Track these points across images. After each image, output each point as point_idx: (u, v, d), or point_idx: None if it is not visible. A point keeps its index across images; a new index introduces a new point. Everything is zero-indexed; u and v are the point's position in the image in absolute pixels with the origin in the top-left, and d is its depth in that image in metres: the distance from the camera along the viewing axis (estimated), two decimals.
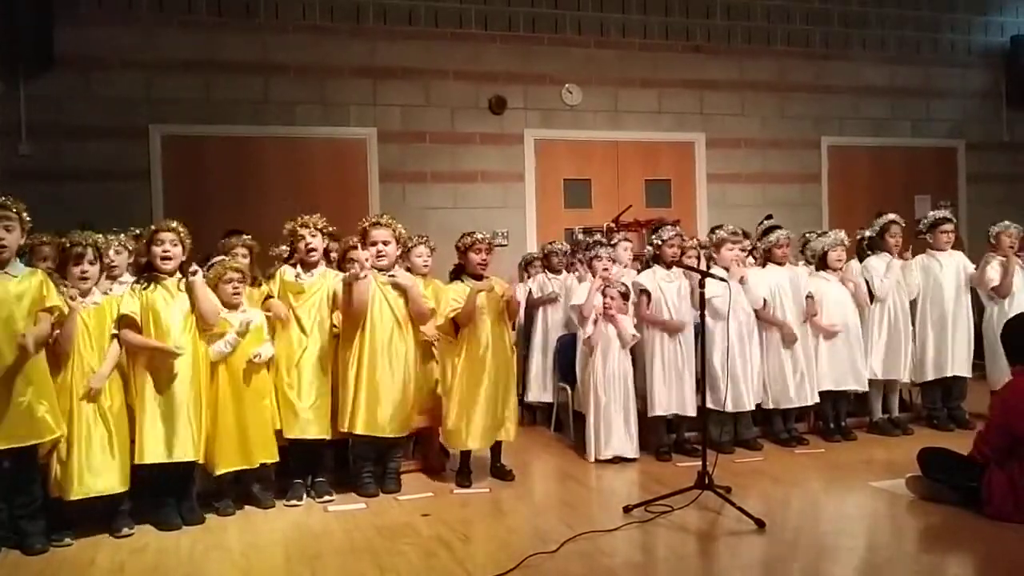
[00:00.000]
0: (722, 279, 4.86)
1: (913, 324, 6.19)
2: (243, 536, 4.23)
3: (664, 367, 5.53)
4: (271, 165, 7.76)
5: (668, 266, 5.54)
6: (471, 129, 8.31)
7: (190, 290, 4.41)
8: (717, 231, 5.90)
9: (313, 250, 4.86)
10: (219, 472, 4.52)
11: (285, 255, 5.06)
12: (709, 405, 5.28)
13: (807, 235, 6.48)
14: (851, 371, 5.94)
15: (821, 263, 6.08)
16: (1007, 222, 6.28)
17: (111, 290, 4.52)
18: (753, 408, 5.74)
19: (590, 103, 8.64)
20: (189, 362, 4.38)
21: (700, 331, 5.47)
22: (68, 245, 4.22)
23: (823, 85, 9.40)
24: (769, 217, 7.04)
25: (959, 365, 6.15)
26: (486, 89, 8.32)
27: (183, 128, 7.52)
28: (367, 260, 4.70)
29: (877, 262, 6.10)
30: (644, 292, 5.61)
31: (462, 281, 5.05)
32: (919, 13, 9.77)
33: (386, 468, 4.95)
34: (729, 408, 5.47)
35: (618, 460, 5.39)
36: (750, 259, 6.01)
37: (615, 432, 5.41)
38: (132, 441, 4.30)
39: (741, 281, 5.61)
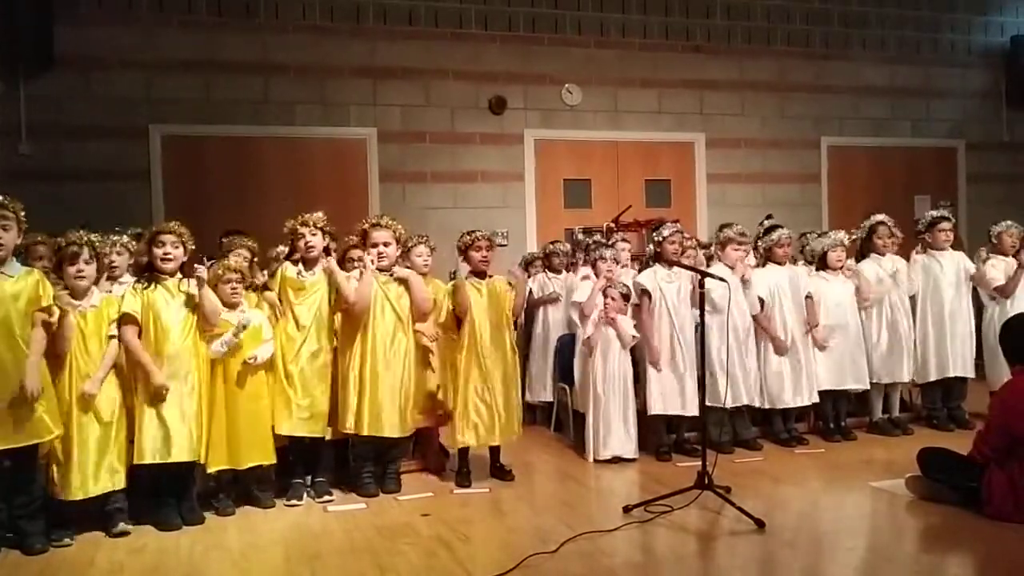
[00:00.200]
0: (722, 279, 4.86)
1: (913, 324, 6.19)
2: (243, 536, 4.23)
3: (666, 366, 5.53)
4: (271, 165, 7.76)
5: (669, 265, 5.54)
6: (471, 129, 8.32)
7: (199, 284, 4.39)
8: (725, 229, 5.87)
9: (312, 247, 4.86)
10: (210, 471, 4.52)
11: (283, 255, 5.05)
12: (708, 403, 5.27)
13: (807, 235, 6.47)
14: (851, 370, 5.94)
15: (821, 263, 6.08)
16: (1008, 222, 6.28)
17: (111, 291, 4.52)
18: (753, 404, 5.73)
19: (590, 103, 8.65)
20: (189, 362, 4.38)
21: (700, 331, 5.47)
22: (63, 244, 4.21)
23: (823, 85, 9.41)
24: (769, 217, 7.04)
25: (961, 365, 6.15)
26: (486, 89, 8.33)
27: (183, 128, 7.53)
28: (372, 263, 4.73)
29: (868, 266, 6.09)
30: (644, 293, 5.61)
31: (464, 278, 5.06)
32: (919, 13, 9.78)
33: (386, 468, 4.95)
34: (729, 403, 5.46)
35: (618, 460, 5.39)
36: (750, 258, 6.00)
37: (615, 432, 5.41)
38: (131, 441, 4.30)
39: (744, 279, 5.61)
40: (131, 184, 7.33)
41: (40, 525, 4.04)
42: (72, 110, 7.25)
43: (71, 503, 4.13)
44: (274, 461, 4.73)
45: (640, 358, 5.63)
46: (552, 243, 7.13)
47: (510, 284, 5.17)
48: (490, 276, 5.15)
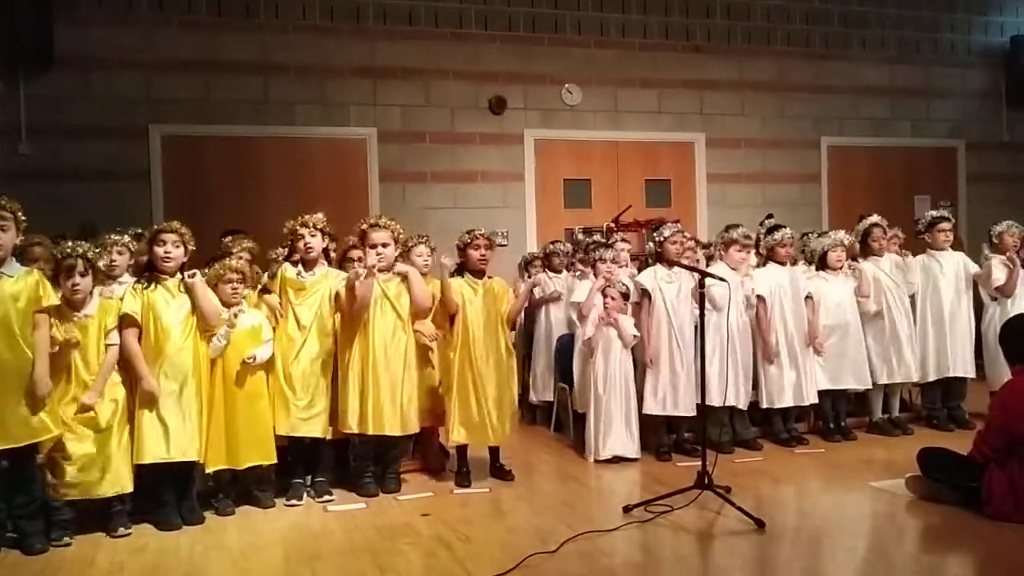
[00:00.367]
0: (722, 279, 4.85)
1: (913, 324, 6.18)
2: (243, 536, 4.23)
3: (664, 366, 5.53)
4: (271, 165, 7.76)
5: (670, 265, 5.54)
6: (471, 129, 8.32)
7: (190, 291, 4.41)
8: (731, 230, 5.85)
9: (311, 248, 4.86)
10: (208, 470, 4.53)
11: (282, 257, 5.05)
12: (708, 402, 5.26)
13: (807, 235, 6.46)
14: (851, 370, 5.94)
15: (821, 263, 6.08)
16: (1009, 222, 6.28)
17: (112, 291, 4.52)
18: (749, 403, 5.74)
19: (590, 103, 8.65)
20: (189, 362, 4.38)
21: (700, 331, 5.46)
22: (60, 257, 4.19)
23: (823, 85, 9.41)
24: (770, 216, 7.04)
25: (961, 365, 6.14)
26: (486, 89, 8.33)
27: (183, 128, 7.53)
28: (374, 266, 4.73)
29: (867, 267, 6.07)
30: (644, 293, 5.60)
31: (462, 277, 5.07)
32: (919, 13, 9.78)
33: (386, 468, 4.94)
34: (730, 401, 5.46)
35: (618, 460, 5.38)
36: (752, 258, 6.00)
37: (615, 432, 5.41)
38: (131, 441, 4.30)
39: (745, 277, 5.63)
40: (131, 184, 7.33)
41: (40, 525, 4.04)
42: (72, 110, 7.26)
43: (71, 503, 4.13)
44: (274, 461, 4.72)
45: (640, 358, 5.62)
46: (552, 243, 7.12)
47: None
48: (488, 276, 5.14)
